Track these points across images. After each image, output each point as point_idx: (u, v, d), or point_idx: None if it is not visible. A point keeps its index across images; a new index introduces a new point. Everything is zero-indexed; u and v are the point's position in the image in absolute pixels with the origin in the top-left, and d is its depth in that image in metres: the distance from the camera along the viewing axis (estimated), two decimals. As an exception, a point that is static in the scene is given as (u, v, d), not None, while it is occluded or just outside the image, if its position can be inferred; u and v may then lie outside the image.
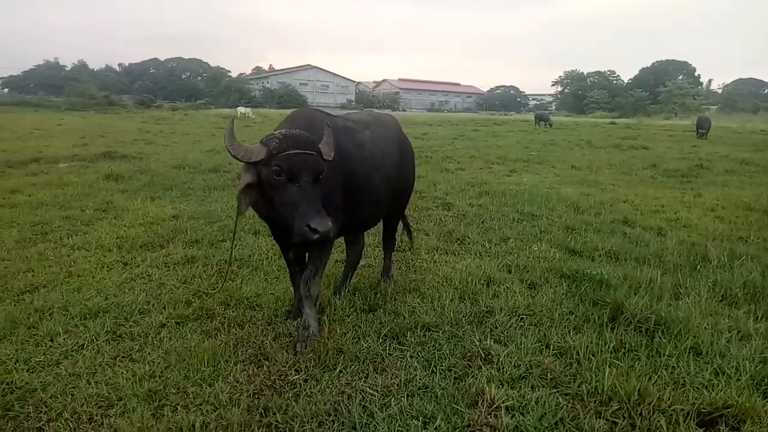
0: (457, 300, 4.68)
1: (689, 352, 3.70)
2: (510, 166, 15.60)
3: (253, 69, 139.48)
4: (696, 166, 15.22)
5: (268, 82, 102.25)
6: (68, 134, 23.77)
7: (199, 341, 3.69)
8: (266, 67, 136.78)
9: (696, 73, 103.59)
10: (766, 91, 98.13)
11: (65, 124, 30.92)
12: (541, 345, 3.84)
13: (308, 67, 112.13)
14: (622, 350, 3.76)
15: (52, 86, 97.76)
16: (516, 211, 8.83)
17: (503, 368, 3.46)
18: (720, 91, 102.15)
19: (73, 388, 3.14)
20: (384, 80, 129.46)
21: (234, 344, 3.71)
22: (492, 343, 3.79)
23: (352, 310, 4.37)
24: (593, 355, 3.64)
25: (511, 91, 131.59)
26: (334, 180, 3.62)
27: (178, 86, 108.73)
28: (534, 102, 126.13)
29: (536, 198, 9.95)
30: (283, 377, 3.33)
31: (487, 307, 4.48)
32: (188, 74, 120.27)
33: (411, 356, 3.64)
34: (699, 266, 5.77)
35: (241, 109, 47.33)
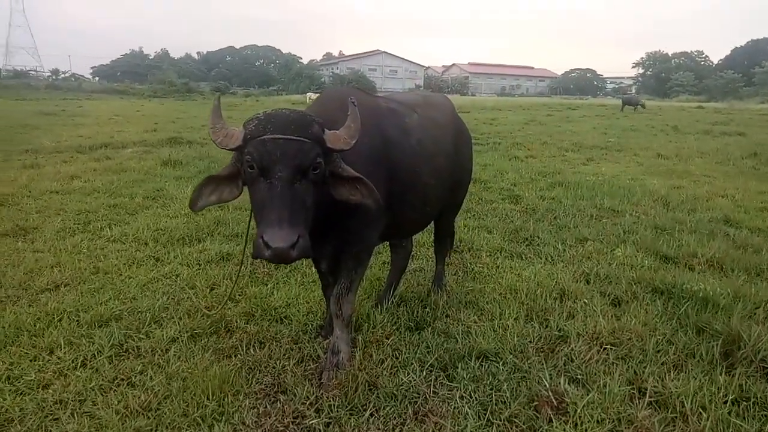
0: (523, 319, 3.88)
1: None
2: (586, 153, 14.31)
3: (324, 55, 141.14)
4: (808, 155, 13.27)
5: (337, 68, 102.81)
6: (143, 120, 24.49)
7: (210, 364, 3.13)
8: (336, 53, 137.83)
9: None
10: None
11: (143, 111, 32.10)
12: (632, 389, 3.00)
13: (377, 53, 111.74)
14: (744, 403, 2.86)
15: (137, 74, 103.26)
16: (594, 205, 7.81)
17: (582, 423, 2.66)
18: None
19: (54, 420, 2.66)
20: (453, 64, 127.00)
21: (249, 369, 3.13)
22: (567, 383, 2.99)
23: (394, 328, 3.67)
24: (704, 409, 2.77)
25: (588, 74, 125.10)
26: (373, 174, 2.93)
27: (252, 73, 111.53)
28: (612, 85, 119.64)
29: (617, 190, 8.84)
30: (298, 419, 2.69)
31: (560, 331, 3.66)
32: (262, 61, 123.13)
33: (461, 397, 2.91)
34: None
35: (310, 95, 47.48)
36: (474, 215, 7.09)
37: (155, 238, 5.66)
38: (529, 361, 3.26)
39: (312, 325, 3.73)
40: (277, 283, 4.45)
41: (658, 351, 3.42)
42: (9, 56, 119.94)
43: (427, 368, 3.18)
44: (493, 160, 12.47)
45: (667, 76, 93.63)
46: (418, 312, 3.95)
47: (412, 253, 4.69)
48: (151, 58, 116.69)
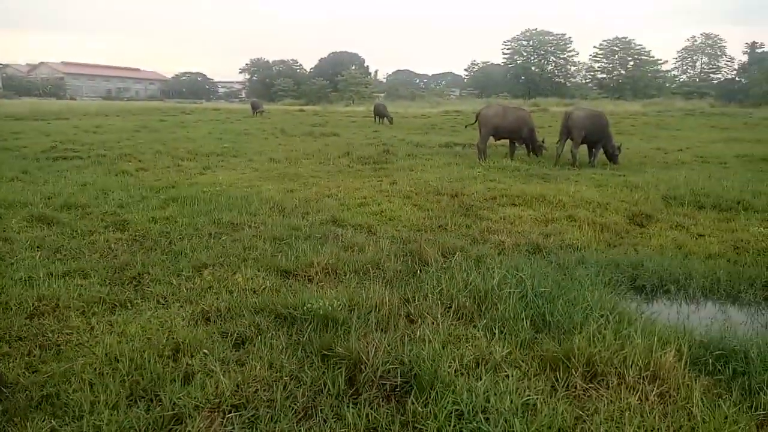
0: (125, 402, 2.96)
1: (453, 420, 2.84)
2: (203, 161, 13.83)
3: None
4: (384, 152, 15.82)
5: None
6: None
7: None
8: None
9: (365, 64, 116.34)
10: (417, 81, 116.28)
11: None
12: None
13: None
14: (372, 438, 2.70)
15: None
16: (212, 221, 7.27)
17: None
18: (384, 80, 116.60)
19: None
20: (41, 63, 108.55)
21: None
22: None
23: None
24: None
25: (199, 78, 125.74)
26: None
27: None
28: (224, 89, 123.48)
29: (235, 201, 8.54)
30: None
31: (174, 409, 2.89)
32: None
33: None
34: (419, 270, 5.26)
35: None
36: (63, 257, 5.60)
37: None
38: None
39: None
40: None
41: (288, 397, 3.05)
42: None
43: None
44: (94, 177, 10.67)
45: (271, 81, 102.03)
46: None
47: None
48: None
